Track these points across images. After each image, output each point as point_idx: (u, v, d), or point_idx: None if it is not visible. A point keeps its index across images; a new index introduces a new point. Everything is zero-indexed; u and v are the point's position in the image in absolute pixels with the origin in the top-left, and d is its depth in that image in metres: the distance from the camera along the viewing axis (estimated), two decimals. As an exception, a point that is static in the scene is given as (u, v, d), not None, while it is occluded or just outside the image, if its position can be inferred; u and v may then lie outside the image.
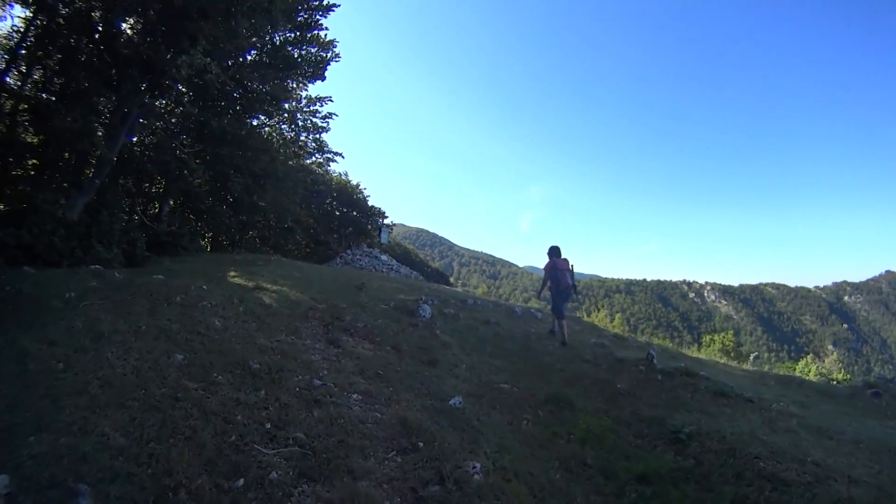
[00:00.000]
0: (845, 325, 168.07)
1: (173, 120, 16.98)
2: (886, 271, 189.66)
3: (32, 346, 4.45)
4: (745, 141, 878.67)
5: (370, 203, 31.63)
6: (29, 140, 12.10)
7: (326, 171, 29.96)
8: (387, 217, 32.53)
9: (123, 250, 10.84)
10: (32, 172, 12.46)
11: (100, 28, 10.76)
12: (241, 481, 3.25)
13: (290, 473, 3.48)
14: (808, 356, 37.39)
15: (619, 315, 73.67)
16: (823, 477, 4.50)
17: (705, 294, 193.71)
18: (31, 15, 11.45)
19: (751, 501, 4.17)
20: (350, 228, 30.90)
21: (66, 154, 12.67)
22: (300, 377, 5.26)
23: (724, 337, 31.91)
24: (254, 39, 17.62)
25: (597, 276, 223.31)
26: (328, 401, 4.81)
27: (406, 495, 3.55)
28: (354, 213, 31.03)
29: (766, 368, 16.21)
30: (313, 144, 25.29)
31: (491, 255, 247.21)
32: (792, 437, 5.75)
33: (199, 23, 9.83)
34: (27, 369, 4.06)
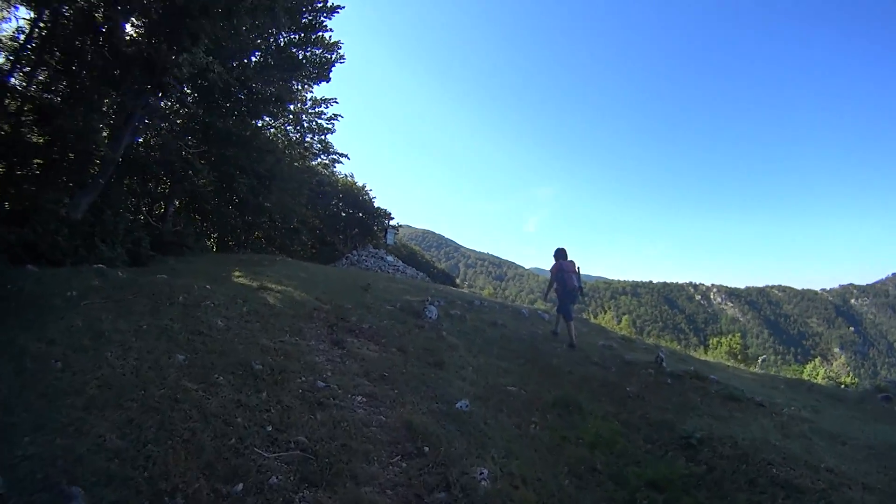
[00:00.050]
0: (852, 328, 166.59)
1: (178, 121, 16.96)
2: (893, 274, 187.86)
3: (31, 345, 4.35)
4: (752, 144, 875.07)
5: (376, 204, 31.56)
6: (34, 140, 12.08)
7: (332, 172, 29.93)
8: (393, 218, 32.44)
9: (127, 250, 10.78)
10: (37, 172, 12.44)
11: (102, 28, 10.72)
12: (240, 486, 3.14)
13: (291, 478, 3.37)
14: (816, 359, 37.00)
15: (626, 317, 73.35)
16: (837, 484, 4.40)
17: (711, 296, 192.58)
18: (35, 16, 11.45)
19: (764, 509, 4.04)
20: (356, 229, 30.80)
21: (71, 154, 12.63)
22: (303, 379, 5.17)
23: (731, 339, 31.61)
24: (258, 41, 17.63)
25: (603, 277, 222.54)
26: (331, 403, 4.70)
27: (411, 502, 3.44)
28: (360, 215, 30.94)
29: (772, 371, 15.99)
30: (319, 146, 25.26)
31: (497, 257, 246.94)
32: (805, 443, 5.64)
33: (200, 21, 9.78)
34: (25, 368, 3.96)
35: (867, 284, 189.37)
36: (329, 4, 18.48)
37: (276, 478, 3.30)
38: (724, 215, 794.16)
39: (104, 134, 12.82)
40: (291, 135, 23.45)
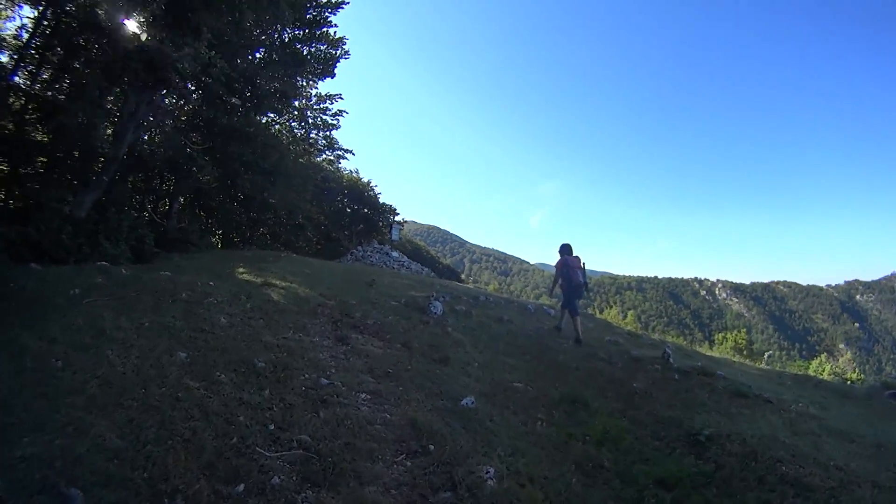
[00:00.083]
0: (857, 324, 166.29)
1: (183, 118, 16.93)
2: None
3: (32, 344, 4.31)
4: (758, 140, 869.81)
5: (381, 200, 31.51)
6: (38, 139, 12.09)
7: (337, 168, 29.90)
8: (398, 214, 32.39)
9: (131, 247, 10.77)
10: (41, 170, 12.45)
11: (104, 24, 10.69)
12: (241, 487, 3.09)
13: (293, 478, 3.32)
14: (822, 355, 36.88)
15: (631, 312, 73.15)
16: (847, 482, 4.33)
17: (717, 292, 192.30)
18: (39, 14, 11.45)
19: (774, 508, 3.97)
20: (361, 225, 30.77)
21: (75, 152, 12.64)
22: (307, 376, 5.12)
23: (736, 335, 31.55)
24: (263, 38, 17.56)
25: (608, 273, 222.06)
26: (335, 401, 4.65)
27: (416, 502, 3.37)
28: (365, 210, 30.90)
29: (777, 367, 15.89)
30: (323, 141, 25.21)
31: (502, 252, 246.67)
32: (813, 440, 5.58)
33: (202, 14, 9.71)
34: (25, 368, 3.92)
35: (873, 281, 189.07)
36: (333, 0, 18.41)
37: (278, 478, 3.25)
38: (730, 211, 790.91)
39: (108, 132, 12.81)
40: (296, 131, 23.41)
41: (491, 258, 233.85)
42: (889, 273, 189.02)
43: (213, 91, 15.66)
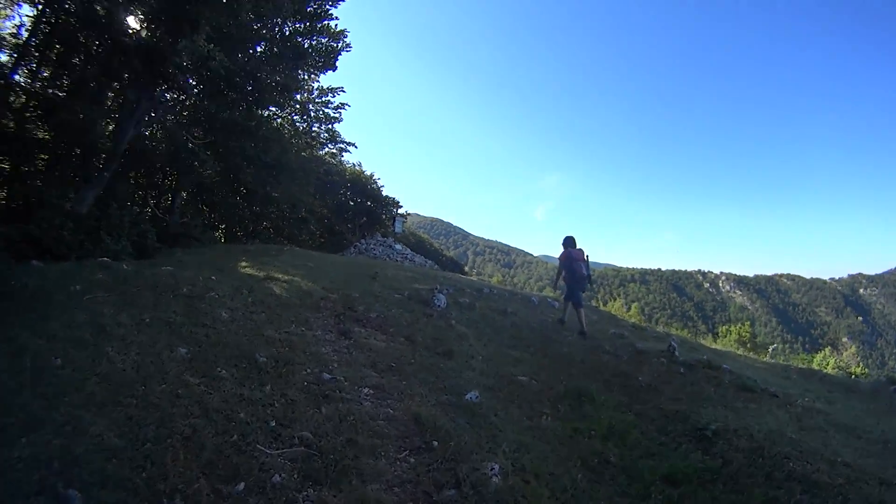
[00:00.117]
0: (860, 318, 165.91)
1: (185, 113, 16.86)
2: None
3: (31, 342, 4.25)
4: (763, 134, 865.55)
5: (384, 193, 31.54)
6: (39, 136, 12.08)
7: (340, 161, 29.82)
8: (401, 207, 32.41)
9: (133, 242, 10.74)
10: (42, 168, 12.45)
11: (104, 20, 10.61)
12: (242, 485, 3.03)
13: (295, 476, 3.26)
14: (826, 349, 36.84)
15: (635, 304, 73.06)
16: (854, 479, 4.25)
17: (720, 284, 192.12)
18: (38, 13, 11.41)
19: (781, 505, 3.90)
20: (364, 218, 30.77)
21: (77, 149, 12.63)
22: (309, 371, 5.06)
23: (740, 328, 31.45)
24: (264, 31, 17.42)
25: (612, 265, 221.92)
26: (337, 396, 4.59)
27: (419, 500, 3.31)
28: (368, 203, 30.90)
29: (780, 360, 15.79)
30: (326, 135, 25.11)
31: (506, 244, 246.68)
32: (821, 436, 5.50)
33: (200, 7, 9.61)
34: (24, 366, 3.85)
35: (876, 274, 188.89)
36: (335, -8, 18.26)
37: (279, 476, 3.19)
38: (733, 204, 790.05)
39: (109, 128, 12.78)
40: (298, 124, 23.28)
41: (494, 250, 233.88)
42: (893, 267, 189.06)
43: (214, 85, 15.58)
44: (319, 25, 18.61)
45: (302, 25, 18.44)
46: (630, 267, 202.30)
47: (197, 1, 9.63)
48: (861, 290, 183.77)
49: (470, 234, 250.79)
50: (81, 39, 12.04)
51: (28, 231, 8.60)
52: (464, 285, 13.47)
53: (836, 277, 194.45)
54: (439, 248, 53.30)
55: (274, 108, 20.66)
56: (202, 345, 4.99)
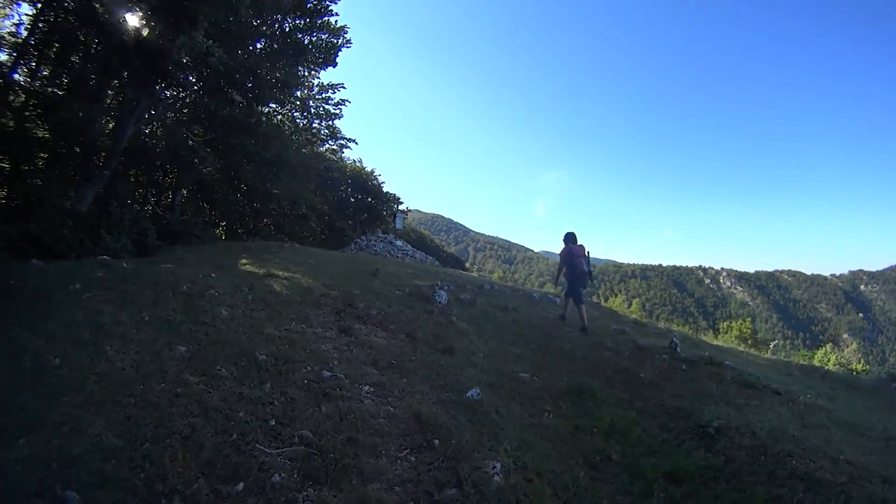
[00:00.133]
0: (861, 315, 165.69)
1: (185, 110, 16.83)
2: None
3: (30, 342, 4.21)
4: (764, 129, 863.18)
5: (385, 189, 31.52)
6: (39, 135, 12.07)
7: (340, 157, 29.83)
8: (402, 203, 32.38)
9: (134, 240, 10.72)
10: (42, 166, 12.44)
11: (103, 18, 10.58)
12: (241, 485, 3.01)
13: (295, 476, 3.23)
14: (828, 345, 36.80)
15: (636, 300, 73.00)
16: (857, 477, 4.24)
17: (721, 280, 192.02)
18: (38, 11, 11.38)
19: (784, 503, 3.87)
20: (365, 215, 30.74)
21: (76, 147, 12.61)
22: (309, 368, 5.03)
23: (741, 324, 31.45)
24: (264, 28, 17.37)
25: (612, 261, 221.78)
26: (338, 394, 4.56)
27: (420, 500, 3.28)
28: (369, 200, 30.87)
29: (781, 356, 15.76)
30: (326, 131, 25.07)
31: (506, 240, 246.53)
32: (823, 433, 5.48)
33: (198, 2, 9.55)
34: (22, 366, 3.82)
35: (877, 271, 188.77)
36: (334, -12, 18.20)
37: (279, 475, 3.17)
38: (735, 200, 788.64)
39: (110, 126, 12.76)
40: (298, 121, 23.26)
41: (495, 246, 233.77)
42: (894, 263, 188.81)
43: (214, 82, 15.55)
44: (319, 21, 18.56)
45: (302, 21, 18.39)
46: (631, 263, 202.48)
47: (196, -4, 9.59)
48: (862, 287, 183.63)
49: (471, 230, 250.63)
50: (80, 37, 12.02)
51: (28, 230, 8.59)
52: (465, 281, 13.44)
53: (837, 273, 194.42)
54: (440, 244, 53.25)
55: (274, 105, 20.63)
56: (201, 343, 4.96)
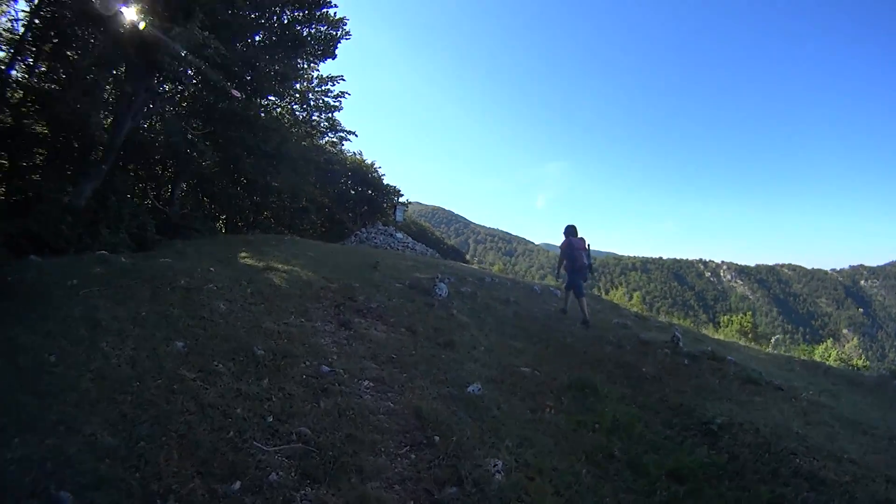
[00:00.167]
0: (861, 310, 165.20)
1: (184, 104, 16.72)
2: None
3: (26, 339, 4.16)
4: (765, 124, 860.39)
5: (385, 182, 31.42)
6: (37, 131, 12.01)
7: (340, 150, 29.64)
8: (402, 195, 32.30)
9: (133, 234, 10.67)
10: (39, 162, 12.38)
11: (99, 12, 10.47)
12: (238, 484, 2.96)
13: (292, 474, 3.19)
14: (829, 340, 36.75)
15: (637, 293, 72.89)
16: (861, 476, 4.19)
17: (721, 273, 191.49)
18: (34, 8, 11.29)
19: (787, 502, 3.82)
20: (365, 207, 30.67)
21: (75, 143, 12.54)
22: (307, 363, 4.99)
23: (742, 318, 31.35)
24: (262, 21, 17.22)
25: (613, 253, 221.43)
26: (336, 389, 4.52)
27: (420, 498, 3.24)
28: (369, 192, 30.78)
29: (782, 351, 15.72)
30: (326, 124, 24.89)
31: (507, 233, 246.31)
32: (827, 431, 5.43)
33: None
34: (18, 364, 3.78)
35: (878, 266, 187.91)
36: (332, -21, 18.01)
37: (276, 474, 3.13)
38: (736, 194, 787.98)
39: (108, 120, 12.69)
40: (298, 113, 23.08)
41: (496, 239, 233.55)
42: (894, 259, 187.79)
43: (212, 75, 15.45)
44: (318, 13, 18.37)
45: (300, 13, 18.21)
46: (631, 255, 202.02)
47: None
48: (862, 282, 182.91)
49: (471, 222, 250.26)
50: (77, 32, 11.93)
51: (26, 226, 8.53)
52: (465, 274, 13.40)
53: (838, 268, 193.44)
54: (440, 236, 53.21)
55: (273, 98, 20.50)
56: (199, 338, 4.91)
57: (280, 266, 9.01)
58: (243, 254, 10.06)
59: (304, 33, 18.56)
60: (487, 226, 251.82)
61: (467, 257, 52.29)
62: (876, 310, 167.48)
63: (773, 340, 24.57)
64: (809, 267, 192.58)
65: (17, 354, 3.89)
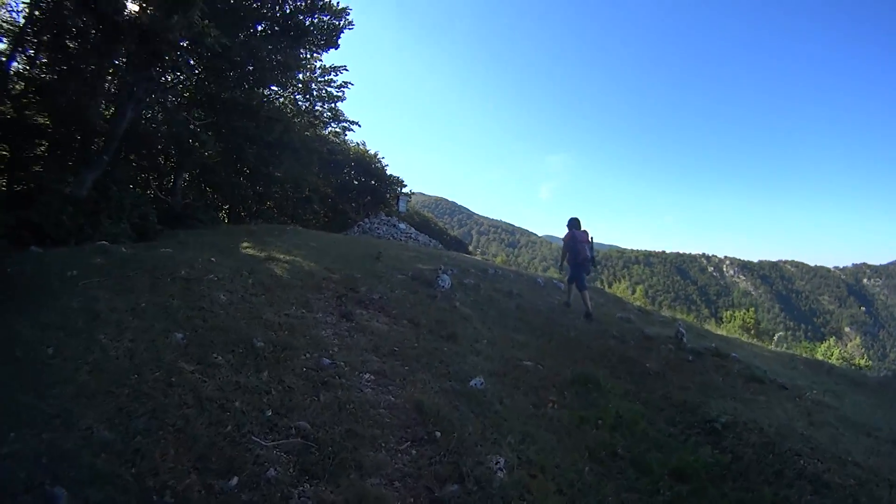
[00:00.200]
0: (863, 309, 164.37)
1: (186, 94, 16.64)
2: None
3: (24, 331, 4.11)
4: (771, 120, 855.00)
5: (388, 172, 31.28)
6: (39, 122, 11.96)
7: (343, 140, 29.51)
8: (405, 186, 32.18)
9: (134, 224, 10.61)
10: (41, 153, 12.34)
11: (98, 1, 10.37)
12: (235, 480, 2.91)
13: (291, 470, 3.14)
14: (831, 339, 36.67)
15: (640, 287, 72.76)
16: (865, 480, 4.13)
17: (724, 269, 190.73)
18: None
19: (791, 505, 3.78)
20: (368, 197, 30.57)
21: (77, 133, 12.49)
22: (308, 356, 4.94)
23: (745, 314, 31.27)
24: (264, 10, 17.07)
25: (616, 246, 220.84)
26: (337, 382, 4.47)
27: (420, 496, 3.19)
28: (372, 182, 30.68)
29: (784, 348, 15.65)
30: (329, 114, 24.76)
31: (510, 224, 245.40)
32: (831, 433, 5.36)
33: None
34: (14, 357, 3.73)
35: (881, 265, 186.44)
36: (335, -32, 17.83)
37: (275, 469, 3.08)
38: (739, 189, 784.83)
39: (111, 110, 12.64)
40: (301, 103, 22.97)
41: (499, 230, 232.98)
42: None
43: (214, 65, 15.33)
44: (321, 3, 18.22)
45: (303, 3, 18.06)
46: (634, 249, 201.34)
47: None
48: (865, 281, 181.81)
49: (474, 213, 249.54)
50: (77, 22, 11.84)
51: (28, 217, 8.48)
52: (468, 265, 13.32)
53: (841, 266, 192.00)
54: (443, 227, 52.98)
55: (276, 88, 20.40)
56: (198, 330, 4.86)
57: (282, 256, 8.95)
58: (245, 244, 10.00)
59: (307, 23, 18.41)
60: (490, 217, 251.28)
61: (470, 248, 52.13)
62: (878, 309, 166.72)
63: (776, 337, 24.48)
64: (812, 264, 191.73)
65: (15, 346, 3.84)
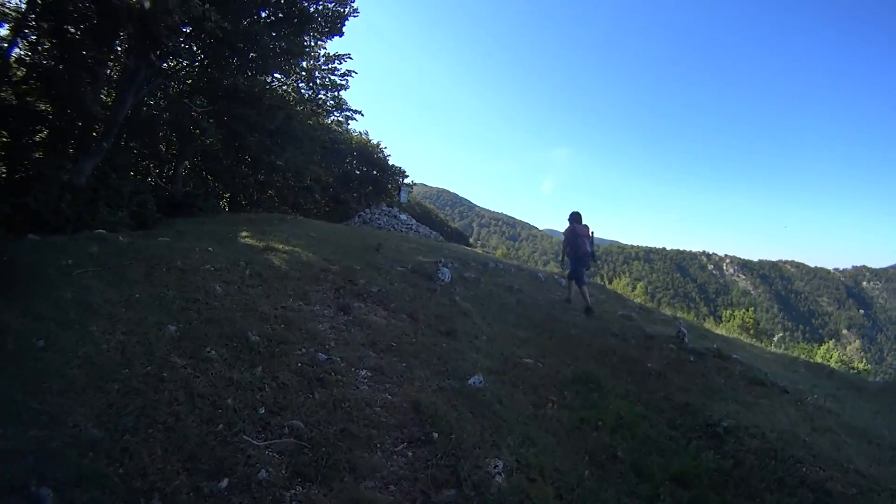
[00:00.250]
0: (862, 311, 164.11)
1: (188, 81, 16.49)
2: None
3: (16, 322, 3.98)
4: (774, 120, 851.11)
5: (391, 162, 31.17)
6: (40, 108, 11.88)
7: (346, 129, 29.34)
8: (407, 176, 32.09)
9: (133, 213, 10.54)
10: (40, 140, 12.25)
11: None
12: (225, 482, 2.83)
13: (283, 472, 3.06)
14: (830, 341, 36.72)
15: (640, 284, 72.74)
16: (867, 489, 4.08)
17: (724, 267, 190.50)
18: None
19: (793, 512, 3.71)
20: (370, 187, 30.48)
21: (78, 120, 12.38)
22: (303, 350, 4.84)
23: (744, 314, 31.25)
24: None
25: (616, 241, 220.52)
26: (332, 379, 4.37)
27: (416, 501, 3.11)
28: (374, 172, 30.57)
29: (782, 349, 15.60)
30: (332, 102, 24.57)
31: (511, 217, 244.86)
32: (833, 439, 5.31)
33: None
34: (5, 349, 3.62)
35: (880, 268, 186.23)
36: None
37: (266, 471, 2.99)
38: (741, 187, 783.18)
39: (112, 96, 12.53)
40: (304, 91, 22.78)
41: (500, 223, 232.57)
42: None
43: (216, 51, 15.17)
44: (325, -11, 18.04)
45: (306, -11, 17.87)
46: (634, 244, 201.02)
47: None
48: (864, 283, 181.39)
49: (476, 205, 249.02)
50: (78, 6, 11.70)
51: (26, 204, 8.40)
52: (469, 258, 13.23)
53: (840, 268, 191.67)
54: (445, 218, 52.95)
55: (279, 75, 20.23)
56: (193, 322, 4.76)
57: (281, 246, 8.84)
58: (244, 233, 9.88)
59: (311, 10, 18.21)
60: (492, 209, 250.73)
61: (471, 241, 52.06)
62: (877, 312, 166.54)
63: (776, 338, 24.45)
64: (812, 265, 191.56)
65: (6, 339, 3.74)
